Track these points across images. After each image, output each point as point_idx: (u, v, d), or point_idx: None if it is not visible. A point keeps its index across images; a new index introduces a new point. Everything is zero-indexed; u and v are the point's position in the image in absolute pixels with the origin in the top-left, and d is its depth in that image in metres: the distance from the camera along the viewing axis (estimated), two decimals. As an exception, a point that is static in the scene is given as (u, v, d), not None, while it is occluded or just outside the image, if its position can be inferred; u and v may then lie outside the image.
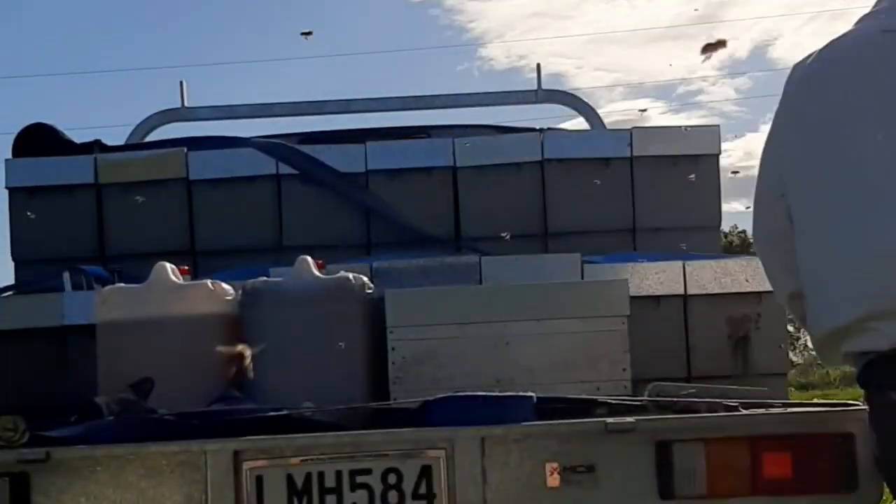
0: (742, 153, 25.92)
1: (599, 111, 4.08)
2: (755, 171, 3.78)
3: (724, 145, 3.75)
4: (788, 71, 2.26)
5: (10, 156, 3.65)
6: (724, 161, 3.78)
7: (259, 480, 2.35)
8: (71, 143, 3.78)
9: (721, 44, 3.51)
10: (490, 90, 4.46)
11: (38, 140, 3.70)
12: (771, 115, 2.28)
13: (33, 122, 3.82)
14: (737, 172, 3.69)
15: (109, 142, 3.90)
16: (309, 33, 4.20)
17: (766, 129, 3.64)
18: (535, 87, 4.33)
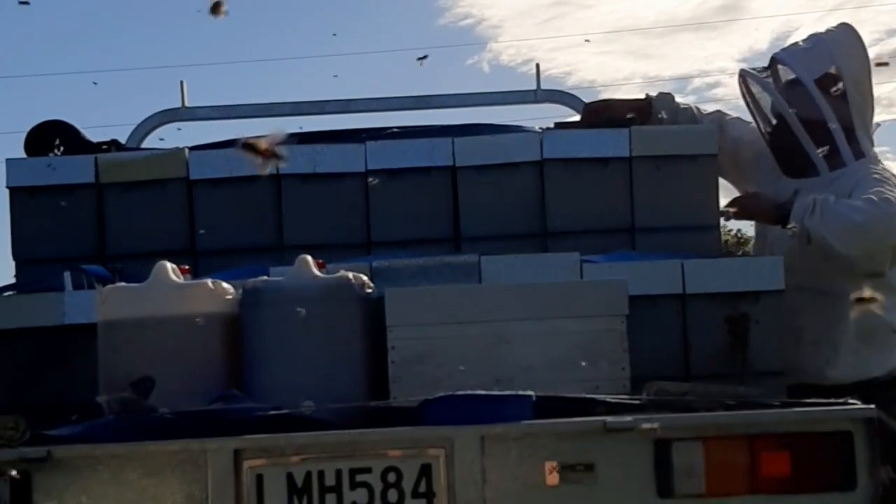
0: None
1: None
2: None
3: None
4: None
5: (10, 155, 3.65)
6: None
7: (259, 479, 2.36)
8: (89, 141, 3.79)
9: None
10: (498, 85, 4.48)
11: (54, 137, 3.70)
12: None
13: (39, 120, 3.82)
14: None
15: (109, 142, 3.90)
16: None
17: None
18: (537, 86, 4.33)
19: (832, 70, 3.46)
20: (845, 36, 3.53)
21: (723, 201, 3.58)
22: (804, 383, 3.15)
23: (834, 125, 3.43)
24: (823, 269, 3.33)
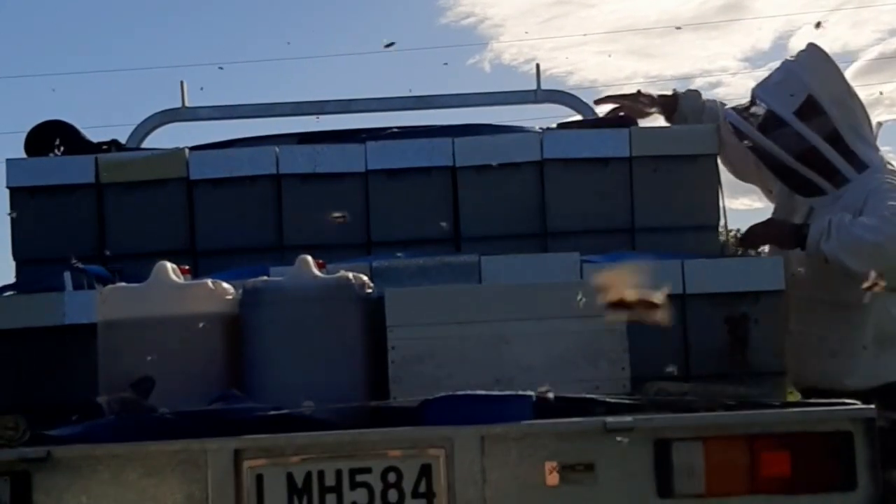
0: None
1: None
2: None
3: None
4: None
5: (10, 155, 3.65)
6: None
7: (259, 479, 2.36)
8: (89, 141, 3.79)
9: None
10: (499, 85, 4.47)
11: (54, 137, 3.70)
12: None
13: (39, 120, 3.82)
14: None
15: (110, 142, 3.90)
16: (392, 44, 4.19)
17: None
18: (537, 86, 4.33)
19: (810, 96, 3.45)
20: (814, 59, 3.52)
21: (724, 201, 3.59)
22: (820, 388, 3.15)
23: (825, 148, 3.43)
24: (838, 280, 3.32)
